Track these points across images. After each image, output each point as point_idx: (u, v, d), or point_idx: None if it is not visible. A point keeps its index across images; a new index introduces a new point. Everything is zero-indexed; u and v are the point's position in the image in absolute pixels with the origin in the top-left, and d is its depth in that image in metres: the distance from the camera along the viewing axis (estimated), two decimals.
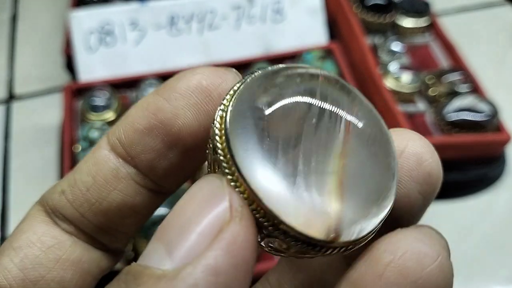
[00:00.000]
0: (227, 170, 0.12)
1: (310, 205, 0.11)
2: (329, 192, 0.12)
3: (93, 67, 0.49)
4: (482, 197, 0.47)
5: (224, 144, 0.12)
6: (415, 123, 0.48)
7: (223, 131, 0.12)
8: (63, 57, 0.53)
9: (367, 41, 0.53)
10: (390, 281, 0.11)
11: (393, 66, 0.50)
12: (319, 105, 0.13)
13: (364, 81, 0.51)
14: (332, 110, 0.13)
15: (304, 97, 0.13)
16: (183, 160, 0.15)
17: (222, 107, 0.13)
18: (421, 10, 0.55)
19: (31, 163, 0.50)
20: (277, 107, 0.12)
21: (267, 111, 0.12)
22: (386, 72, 0.49)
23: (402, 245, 0.11)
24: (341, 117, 0.13)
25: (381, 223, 0.12)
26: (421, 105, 0.49)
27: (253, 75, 0.13)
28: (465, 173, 0.46)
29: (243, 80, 0.13)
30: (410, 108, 0.49)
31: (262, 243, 0.12)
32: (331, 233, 0.12)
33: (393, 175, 0.13)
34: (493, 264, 0.42)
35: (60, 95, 0.50)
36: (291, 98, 0.13)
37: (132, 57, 0.50)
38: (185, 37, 0.50)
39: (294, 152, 0.12)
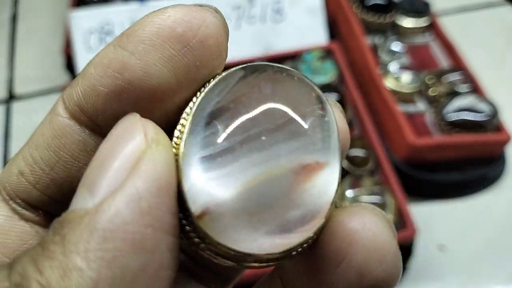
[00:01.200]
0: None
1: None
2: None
3: None
4: (482, 197, 0.47)
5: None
6: (415, 123, 0.48)
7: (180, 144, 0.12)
8: (63, 57, 0.53)
9: (367, 41, 0.53)
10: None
11: (393, 66, 0.50)
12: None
13: (364, 81, 0.51)
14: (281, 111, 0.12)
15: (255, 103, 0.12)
16: (161, 125, 0.12)
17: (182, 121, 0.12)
18: (421, 10, 0.55)
19: None
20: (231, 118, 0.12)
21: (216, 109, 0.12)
22: (386, 72, 0.49)
23: None
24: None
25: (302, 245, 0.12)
26: (421, 105, 0.49)
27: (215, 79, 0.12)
28: (465, 173, 0.46)
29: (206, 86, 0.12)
30: (410, 108, 0.49)
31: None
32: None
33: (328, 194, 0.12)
34: (493, 264, 0.42)
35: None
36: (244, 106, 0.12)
37: None
38: None
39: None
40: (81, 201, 0.10)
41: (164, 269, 0.10)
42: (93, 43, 0.49)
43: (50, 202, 0.13)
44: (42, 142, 0.13)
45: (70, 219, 0.10)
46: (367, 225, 0.12)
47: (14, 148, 0.51)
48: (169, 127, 0.12)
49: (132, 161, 0.10)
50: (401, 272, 0.12)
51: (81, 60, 0.49)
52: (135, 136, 0.11)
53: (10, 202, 0.13)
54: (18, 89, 0.57)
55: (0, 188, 0.13)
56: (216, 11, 0.12)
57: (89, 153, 0.13)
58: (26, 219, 0.13)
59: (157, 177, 0.10)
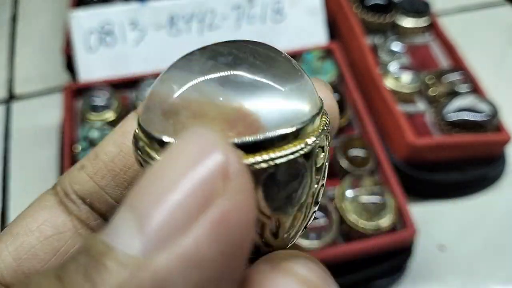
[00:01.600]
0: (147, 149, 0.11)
1: None
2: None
3: (93, 67, 0.49)
4: (482, 197, 0.47)
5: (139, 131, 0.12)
6: (415, 123, 0.48)
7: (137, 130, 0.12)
8: (63, 57, 0.53)
9: (367, 41, 0.53)
10: None
11: (393, 66, 0.50)
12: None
13: (364, 81, 0.51)
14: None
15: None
16: None
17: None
18: (421, 10, 0.55)
19: (31, 163, 0.50)
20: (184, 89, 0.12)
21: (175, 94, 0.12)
22: (386, 72, 0.49)
23: None
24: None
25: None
26: (421, 105, 0.49)
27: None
28: (465, 173, 0.46)
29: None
30: (410, 108, 0.49)
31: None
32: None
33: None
34: (493, 264, 0.42)
35: (60, 95, 0.50)
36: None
37: (132, 57, 0.50)
38: (185, 37, 0.50)
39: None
40: (126, 237, 0.08)
41: None
42: (93, 43, 0.49)
43: (101, 195, 0.14)
44: (109, 141, 0.14)
45: (109, 261, 0.08)
46: None
47: (14, 148, 0.51)
48: None
49: (201, 201, 0.08)
50: None
51: (81, 60, 0.49)
52: (212, 164, 0.08)
53: (61, 194, 0.14)
54: (18, 89, 0.57)
55: (57, 184, 0.14)
56: None
57: None
58: (69, 212, 0.14)
59: (227, 237, 0.08)
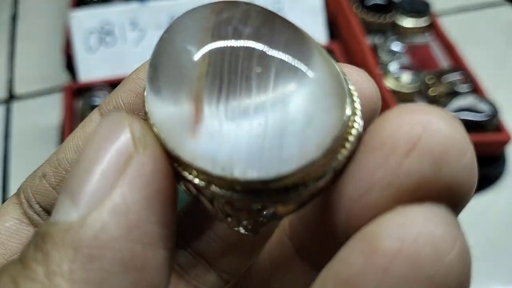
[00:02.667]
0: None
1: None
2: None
3: (93, 67, 0.49)
4: (482, 197, 0.47)
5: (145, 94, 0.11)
6: None
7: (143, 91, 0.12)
8: (63, 57, 0.53)
9: (367, 41, 0.53)
10: (399, 277, 0.08)
11: (393, 66, 0.50)
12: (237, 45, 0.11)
13: None
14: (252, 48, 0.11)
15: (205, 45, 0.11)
16: None
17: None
18: (421, 10, 0.55)
19: (31, 163, 0.50)
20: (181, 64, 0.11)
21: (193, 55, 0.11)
22: (386, 72, 0.49)
23: (411, 228, 0.08)
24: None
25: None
26: None
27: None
28: None
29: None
30: None
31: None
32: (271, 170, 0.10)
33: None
34: (493, 264, 0.42)
35: (60, 95, 0.50)
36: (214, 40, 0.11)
37: (132, 57, 0.50)
38: None
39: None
40: (64, 212, 0.10)
41: (155, 287, 0.10)
42: (93, 43, 0.49)
43: None
44: (72, 145, 0.13)
45: (53, 233, 0.09)
46: (439, 116, 0.09)
47: (14, 148, 0.51)
48: None
49: (118, 166, 0.10)
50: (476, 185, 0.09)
51: (81, 60, 0.49)
52: (121, 137, 0.10)
53: (25, 205, 0.14)
54: (18, 89, 0.57)
55: (20, 191, 0.14)
56: None
57: None
58: (35, 225, 0.14)
59: (146, 185, 0.10)
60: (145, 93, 0.12)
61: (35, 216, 0.14)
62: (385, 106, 0.47)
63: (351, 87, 0.11)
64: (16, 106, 0.56)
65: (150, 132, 0.11)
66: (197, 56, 0.11)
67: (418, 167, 0.09)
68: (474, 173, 0.09)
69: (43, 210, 0.14)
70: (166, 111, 0.11)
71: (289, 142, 0.10)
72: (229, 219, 0.11)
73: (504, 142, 0.46)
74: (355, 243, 0.09)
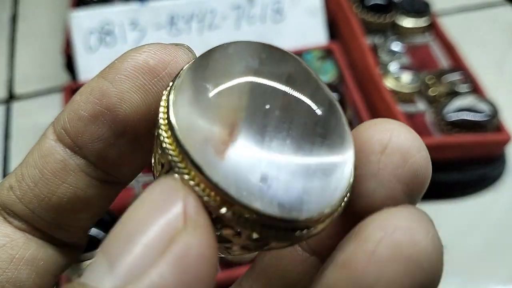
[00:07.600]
0: (181, 169, 0.11)
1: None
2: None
3: (93, 67, 0.49)
4: (482, 197, 0.47)
5: (172, 139, 0.11)
6: (415, 123, 0.48)
7: (167, 125, 0.11)
8: (63, 57, 0.53)
9: (367, 41, 0.53)
10: (383, 258, 0.10)
11: (393, 66, 0.50)
12: (268, 85, 0.12)
13: (364, 81, 0.51)
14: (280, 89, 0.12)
15: (248, 76, 0.12)
16: (135, 148, 0.13)
17: (164, 97, 0.12)
18: (421, 10, 0.55)
19: None
20: (223, 88, 0.11)
21: (213, 94, 0.11)
22: (386, 72, 0.49)
23: (392, 223, 0.11)
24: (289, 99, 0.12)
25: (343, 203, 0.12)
26: (421, 105, 0.49)
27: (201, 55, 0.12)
28: (465, 173, 0.46)
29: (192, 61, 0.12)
30: (410, 108, 0.49)
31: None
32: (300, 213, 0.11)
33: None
34: (493, 264, 0.42)
35: (60, 95, 0.50)
36: (236, 78, 0.12)
37: None
38: (185, 37, 0.50)
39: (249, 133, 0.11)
40: (99, 276, 0.09)
41: None
42: (93, 43, 0.49)
43: (33, 216, 0.14)
44: (31, 161, 0.14)
45: None
46: (400, 125, 0.12)
47: (14, 148, 0.51)
48: (140, 148, 0.14)
49: (164, 242, 0.09)
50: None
51: (81, 60, 0.49)
52: (172, 209, 0.10)
53: (1, 211, 0.14)
54: (18, 89, 0.57)
55: None
56: (189, 49, 0.14)
57: (68, 171, 0.13)
58: (15, 227, 0.14)
59: (187, 270, 0.09)
60: (170, 101, 0.11)
61: (12, 219, 0.14)
62: (385, 106, 0.47)
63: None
64: (16, 106, 0.56)
65: (204, 212, 0.10)
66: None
67: (391, 160, 0.12)
68: (430, 163, 0.12)
69: (16, 217, 0.14)
70: (199, 124, 0.11)
71: (313, 190, 0.11)
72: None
73: (504, 142, 0.46)
74: (348, 237, 0.11)
